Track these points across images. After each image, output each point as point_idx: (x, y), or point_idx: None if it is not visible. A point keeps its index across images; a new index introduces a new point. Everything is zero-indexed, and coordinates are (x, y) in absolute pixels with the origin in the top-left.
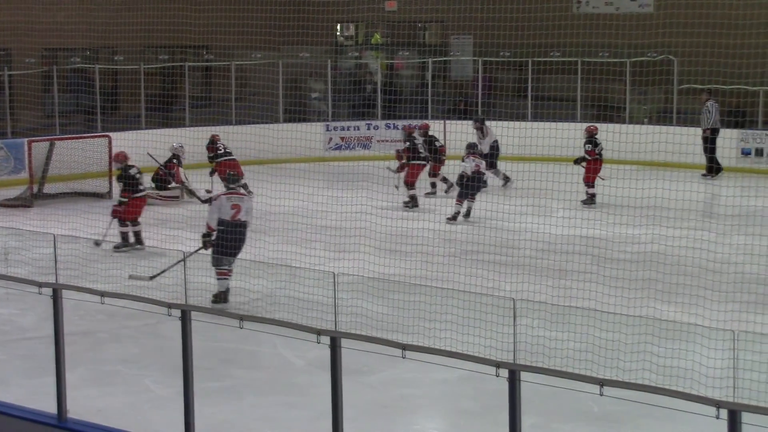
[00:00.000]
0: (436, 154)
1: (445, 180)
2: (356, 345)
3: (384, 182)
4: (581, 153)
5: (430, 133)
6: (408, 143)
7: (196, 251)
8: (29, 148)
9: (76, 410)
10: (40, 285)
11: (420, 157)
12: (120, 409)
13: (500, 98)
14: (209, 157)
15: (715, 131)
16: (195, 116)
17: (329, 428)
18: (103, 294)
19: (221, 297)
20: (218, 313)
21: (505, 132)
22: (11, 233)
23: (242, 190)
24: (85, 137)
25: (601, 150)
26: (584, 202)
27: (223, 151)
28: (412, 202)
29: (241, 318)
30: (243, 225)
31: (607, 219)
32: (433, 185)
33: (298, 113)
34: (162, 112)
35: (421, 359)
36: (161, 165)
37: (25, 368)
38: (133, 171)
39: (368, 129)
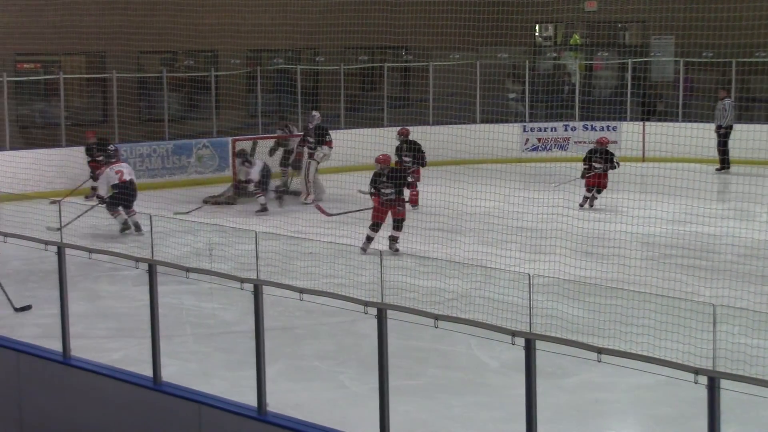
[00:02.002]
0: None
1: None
2: (551, 347)
3: (581, 183)
4: None
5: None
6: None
7: (93, 207)
8: (233, 147)
9: (274, 404)
10: (242, 281)
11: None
12: (317, 405)
13: (701, 99)
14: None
15: (729, 129)
16: (393, 116)
17: (522, 430)
18: (302, 291)
19: (125, 226)
20: (414, 312)
21: (703, 134)
22: (215, 230)
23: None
24: (286, 137)
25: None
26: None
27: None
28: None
29: (437, 318)
30: (131, 182)
31: None
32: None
33: (494, 114)
34: (360, 112)
35: (616, 363)
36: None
37: (227, 361)
38: None
39: (565, 130)
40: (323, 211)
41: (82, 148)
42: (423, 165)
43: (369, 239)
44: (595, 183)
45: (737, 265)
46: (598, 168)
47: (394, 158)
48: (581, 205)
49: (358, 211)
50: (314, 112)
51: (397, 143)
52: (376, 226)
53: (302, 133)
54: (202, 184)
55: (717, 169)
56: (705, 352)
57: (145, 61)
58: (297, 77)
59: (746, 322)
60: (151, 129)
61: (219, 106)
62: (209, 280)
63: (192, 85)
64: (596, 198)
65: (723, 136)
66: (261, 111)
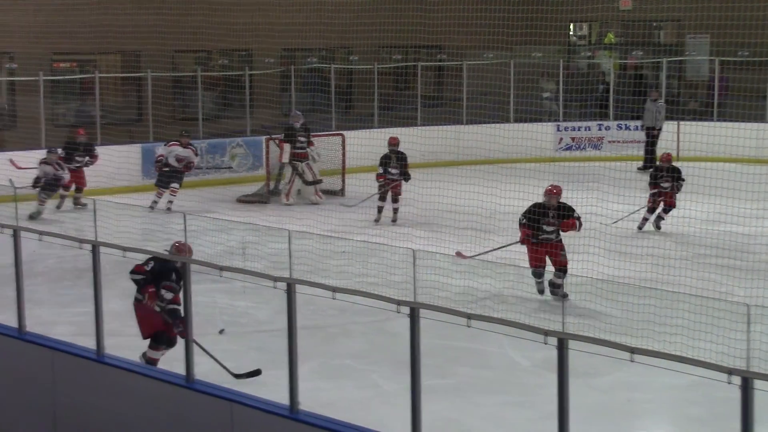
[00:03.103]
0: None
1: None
2: (584, 347)
3: (615, 183)
4: None
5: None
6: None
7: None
8: (267, 146)
9: (306, 402)
10: (275, 279)
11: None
12: (349, 403)
13: (737, 98)
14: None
15: (659, 131)
16: (426, 115)
17: (555, 430)
18: (334, 289)
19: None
20: (446, 311)
21: (740, 133)
22: (248, 228)
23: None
24: (320, 135)
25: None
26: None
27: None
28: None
29: (469, 317)
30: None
31: None
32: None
33: (528, 113)
34: (394, 111)
35: (649, 363)
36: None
37: (259, 360)
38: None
39: (599, 129)
40: (462, 256)
41: (117, 147)
42: (407, 179)
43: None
44: (662, 203)
45: None
46: (666, 187)
47: (379, 169)
48: (640, 228)
49: (501, 248)
50: (297, 111)
51: (385, 151)
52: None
53: (285, 132)
54: (236, 183)
55: (639, 168)
56: (739, 352)
57: (180, 60)
58: (331, 76)
59: None
60: (186, 128)
61: (253, 105)
62: (242, 278)
63: (226, 84)
64: (663, 218)
65: (654, 137)
66: (295, 110)
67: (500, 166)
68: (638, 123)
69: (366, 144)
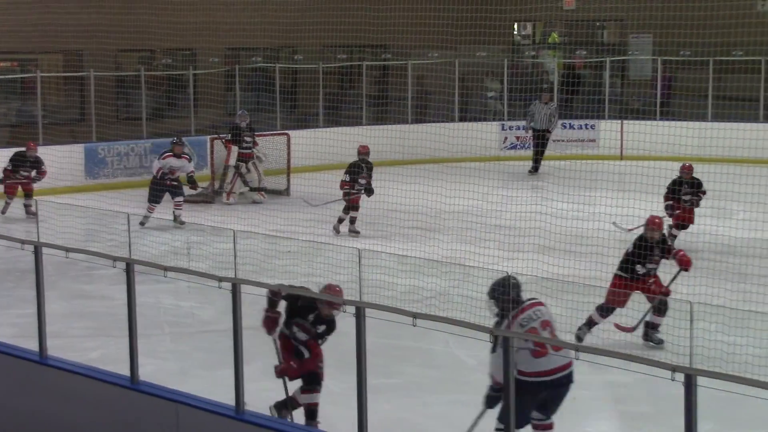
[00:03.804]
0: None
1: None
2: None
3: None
4: (762, 154)
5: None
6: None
7: None
8: (212, 146)
9: (253, 403)
10: (219, 279)
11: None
12: None
13: (679, 98)
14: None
15: (550, 133)
16: (371, 115)
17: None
18: (280, 289)
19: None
20: (392, 310)
21: (683, 132)
22: (193, 228)
23: None
24: (264, 135)
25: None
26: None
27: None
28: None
29: (415, 316)
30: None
31: None
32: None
33: (473, 112)
34: (339, 111)
35: (594, 361)
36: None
37: (204, 360)
38: None
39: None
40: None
41: (58, 147)
42: (370, 194)
43: None
44: (682, 218)
45: (714, 263)
46: (687, 202)
47: (346, 177)
48: None
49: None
50: (243, 110)
51: (355, 159)
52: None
53: (232, 131)
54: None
55: (530, 171)
56: (682, 349)
57: (123, 60)
58: (276, 76)
59: (723, 319)
60: (129, 127)
61: (197, 105)
62: (187, 279)
63: (170, 83)
64: (676, 237)
65: (546, 140)
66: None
67: (445, 165)
68: (582, 122)
69: (311, 143)
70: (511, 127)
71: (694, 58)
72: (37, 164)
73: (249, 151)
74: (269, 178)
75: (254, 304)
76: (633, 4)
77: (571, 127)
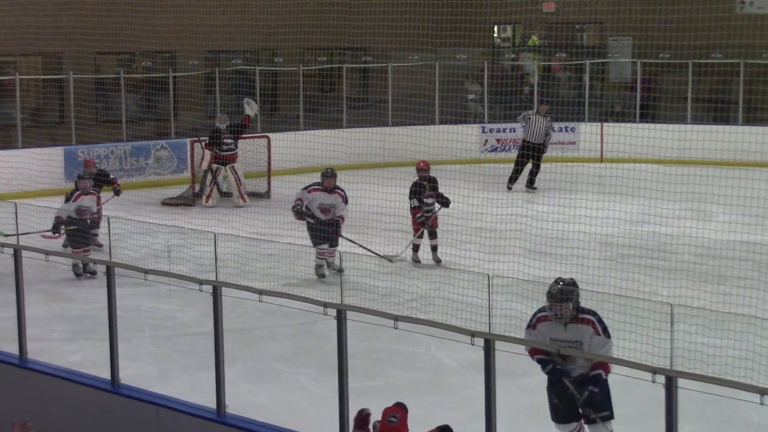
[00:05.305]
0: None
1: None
2: (510, 347)
3: (541, 184)
4: (741, 156)
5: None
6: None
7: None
8: (192, 148)
9: (234, 405)
10: (200, 282)
11: None
12: (276, 406)
13: (659, 100)
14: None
15: (545, 149)
16: (352, 117)
17: (483, 430)
18: (261, 292)
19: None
20: (373, 312)
21: (662, 135)
22: (174, 231)
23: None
24: (245, 138)
25: None
26: None
27: None
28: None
29: (396, 318)
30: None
31: None
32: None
33: (453, 115)
34: (319, 113)
35: None
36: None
37: (185, 363)
38: None
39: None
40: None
41: (38, 150)
42: (447, 205)
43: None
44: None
45: (694, 265)
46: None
47: (414, 202)
48: None
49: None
50: (223, 113)
51: (415, 178)
52: None
53: (212, 134)
54: (161, 186)
55: (509, 185)
56: (662, 351)
57: (102, 62)
58: (256, 78)
59: (703, 321)
60: (109, 130)
61: (177, 108)
62: (168, 281)
63: (150, 86)
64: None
65: (541, 153)
66: (220, 111)
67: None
68: (563, 125)
69: (291, 146)
70: (491, 130)
71: (673, 60)
72: (102, 178)
73: (231, 153)
74: (250, 180)
75: (236, 307)
76: (612, 7)
77: (552, 129)
